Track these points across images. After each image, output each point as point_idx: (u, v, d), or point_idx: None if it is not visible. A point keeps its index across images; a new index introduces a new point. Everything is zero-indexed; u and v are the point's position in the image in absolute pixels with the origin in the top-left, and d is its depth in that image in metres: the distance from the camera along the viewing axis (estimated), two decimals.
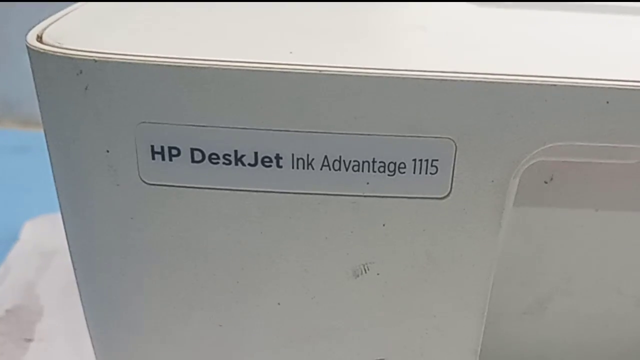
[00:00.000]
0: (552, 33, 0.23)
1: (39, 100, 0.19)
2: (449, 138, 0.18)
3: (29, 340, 0.32)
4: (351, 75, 0.18)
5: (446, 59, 0.19)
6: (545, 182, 0.22)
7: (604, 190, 0.23)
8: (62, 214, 0.20)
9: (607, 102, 0.18)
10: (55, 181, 0.20)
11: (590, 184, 0.22)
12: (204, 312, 0.21)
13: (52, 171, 0.20)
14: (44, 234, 0.40)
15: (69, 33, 0.19)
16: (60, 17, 0.21)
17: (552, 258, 0.24)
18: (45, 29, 0.20)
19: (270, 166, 0.19)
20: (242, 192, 0.19)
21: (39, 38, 0.19)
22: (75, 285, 0.22)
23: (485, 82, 0.18)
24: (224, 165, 0.18)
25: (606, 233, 0.24)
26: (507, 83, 0.18)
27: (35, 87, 0.19)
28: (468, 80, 0.18)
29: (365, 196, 0.19)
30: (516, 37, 0.23)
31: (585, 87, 0.18)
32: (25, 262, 0.38)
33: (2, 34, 0.60)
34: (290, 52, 0.19)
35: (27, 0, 0.58)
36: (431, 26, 0.23)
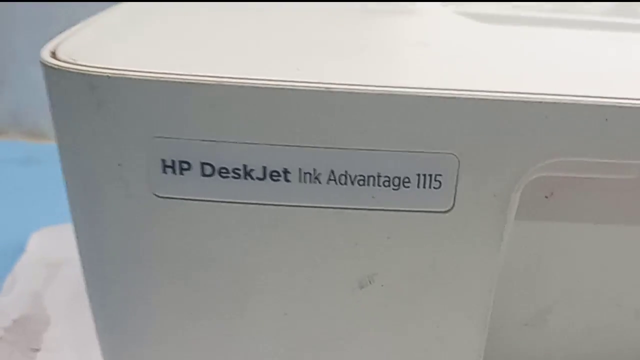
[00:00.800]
0: (553, 50, 0.24)
1: (52, 115, 0.19)
2: (452, 154, 0.19)
3: (36, 350, 0.32)
4: (357, 93, 0.18)
5: (449, 76, 0.20)
6: (546, 197, 0.23)
7: (604, 205, 0.23)
8: (73, 224, 0.21)
9: (606, 120, 0.19)
10: (67, 193, 0.20)
11: (590, 199, 0.23)
12: (211, 321, 0.21)
13: (65, 183, 0.20)
14: (51, 245, 0.40)
15: (82, 49, 0.20)
16: (74, 33, 0.21)
17: (552, 270, 0.24)
18: (59, 44, 0.20)
19: (278, 180, 0.19)
20: (250, 205, 0.19)
21: (53, 54, 0.19)
22: (82, 295, 0.22)
23: (487, 99, 0.18)
24: (233, 179, 0.19)
25: (606, 246, 0.24)
26: (508, 100, 0.18)
27: (49, 101, 0.19)
28: (470, 98, 0.18)
29: (370, 209, 0.20)
30: (517, 54, 0.23)
31: (584, 104, 0.18)
32: (32, 272, 0.38)
33: (9, 46, 0.61)
34: (297, 69, 0.19)
35: (30, 0, 0.58)
36: (433, 43, 0.24)
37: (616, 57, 0.24)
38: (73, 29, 0.22)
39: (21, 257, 0.39)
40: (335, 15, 0.27)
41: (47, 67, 0.19)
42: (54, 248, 0.40)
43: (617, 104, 0.18)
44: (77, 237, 0.21)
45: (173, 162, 0.19)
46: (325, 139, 0.19)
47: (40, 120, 0.62)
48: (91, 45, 0.20)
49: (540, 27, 0.27)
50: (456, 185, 0.19)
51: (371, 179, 0.19)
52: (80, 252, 0.21)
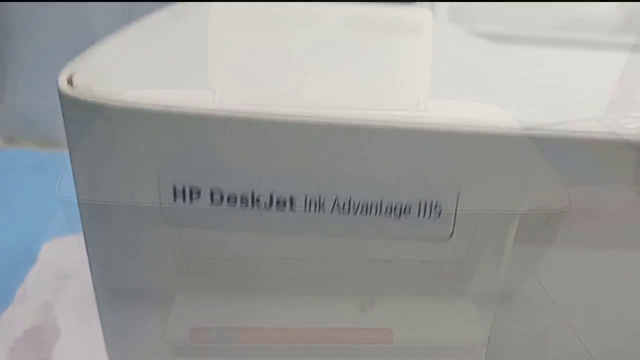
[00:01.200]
0: (559, 75, 0.24)
1: (67, 141, 0.20)
2: (452, 184, 0.19)
3: None
4: (361, 126, 0.19)
5: (451, 107, 0.20)
6: (544, 223, 0.23)
7: (601, 231, 0.23)
8: (86, 249, 0.21)
9: (600, 153, 0.19)
10: (80, 215, 0.21)
11: (587, 225, 0.23)
12: (216, 342, 0.22)
13: (79, 209, 0.21)
14: (62, 256, 0.41)
15: (98, 77, 0.20)
16: (88, 58, 0.22)
17: (550, 294, 0.25)
18: (75, 72, 0.20)
19: (284, 209, 0.20)
20: (257, 233, 0.20)
21: (69, 82, 0.20)
22: (92, 306, 0.23)
23: (487, 134, 0.19)
24: (241, 207, 0.19)
25: (603, 271, 0.24)
26: (507, 135, 0.19)
27: (65, 128, 0.20)
28: (471, 132, 0.19)
29: (372, 236, 0.20)
30: (520, 81, 0.23)
31: (577, 139, 0.19)
32: (43, 283, 0.39)
33: (20, 55, 0.61)
34: (302, 98, 0.20)
35: None
36: (438, 65, 0.24)
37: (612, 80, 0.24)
38: (87, 53, 0.22)
39: (32, 268, 0.40)
40: (343, 35, 0.27)
41: (64, 96, 0.19)
42: (65, 259, 0.40)
43: (607, 138, 0.19)
44: (90, 260, 0.21)
45: (183, 189, 0.19)
46: (331, 169, 0.19)
47: (52, 128, 0.62)
48: (107, 73, 0.21)
49: (550, 48, 0.27)
50: (455, 214, 0.20)
51: (373, 207, 0.20)
52: (93, 275, 0.22)
